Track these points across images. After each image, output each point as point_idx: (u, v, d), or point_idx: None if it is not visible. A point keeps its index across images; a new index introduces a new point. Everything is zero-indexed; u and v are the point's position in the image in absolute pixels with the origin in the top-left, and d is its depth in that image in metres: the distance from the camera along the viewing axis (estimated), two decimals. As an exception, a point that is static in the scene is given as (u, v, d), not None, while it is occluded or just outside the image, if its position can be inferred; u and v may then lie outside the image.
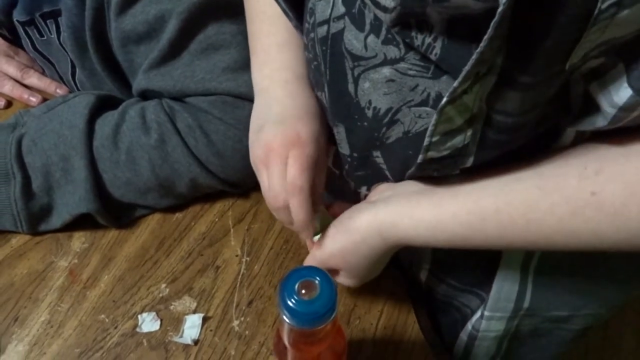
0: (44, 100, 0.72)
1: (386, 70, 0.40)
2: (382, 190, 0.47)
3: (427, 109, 0.39)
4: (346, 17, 0.41)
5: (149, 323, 0.53)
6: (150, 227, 0.61)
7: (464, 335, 0.56)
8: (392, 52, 0.39)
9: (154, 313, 0.54)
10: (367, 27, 0.39)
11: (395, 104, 0.41)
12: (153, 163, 0.57)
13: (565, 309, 0.52)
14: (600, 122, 0.33)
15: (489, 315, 0.52)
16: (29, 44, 0.70)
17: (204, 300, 0.55)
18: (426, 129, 0.40)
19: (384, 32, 0.38)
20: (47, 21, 0.65)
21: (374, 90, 0.41)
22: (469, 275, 0.53)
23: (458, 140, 0.37)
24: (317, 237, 0.48)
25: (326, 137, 0.49)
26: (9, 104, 0.73)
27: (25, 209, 0.57)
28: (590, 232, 0.35)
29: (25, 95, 0.72)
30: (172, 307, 0.55)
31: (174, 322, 0.54)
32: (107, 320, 0.54)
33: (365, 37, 0.40)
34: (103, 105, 0.60)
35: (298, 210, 0.44)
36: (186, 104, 0.59)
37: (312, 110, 0.48)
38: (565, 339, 0.55)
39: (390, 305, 0.56)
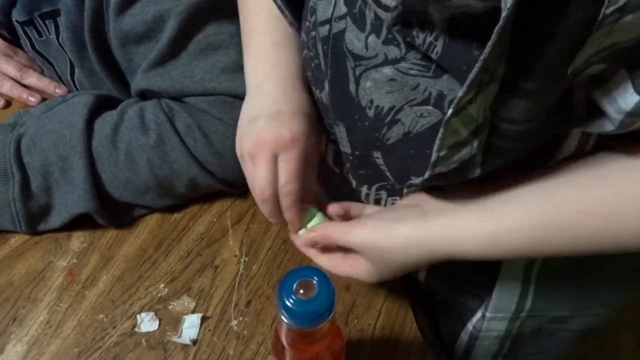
0: (43, 100, 0.72)
1: (387, 70, 0.40)
2: (424, 199, 0.45)
3: (429, 107, 0.39)
4: (348, 17, 0.41)
5: (147, 323, 0.54)
6: (149, 227, 0.61)
7: (464, 335, 0.56)
8: (393, 52, 0.39)
9: (152, 313, 0.54)
10: (368, 27, 0.40)
11: (397, 102, 0.41)
12: (152, 163, 0.57)
13: (567, 309, 0.52)
14: (608, 126, 0.33)
15: (491, 316, 0.52)
16: (28, 43, 0.70)
17: (202, 300, 0.56)
18: (427, 129, 0.41)
19: (384, 32, 0.38)
20: (46, 21, 0.65)
21: (376, 90, 0.41)
22: (468, 276, 0.53)
23: (465, 153, 0.36)
24: (302, 231, 0.48)
25: (318, 136, 0.49)
26: (8, 103, 0.73)
27: (24, 208, 0.57)
28: None
29: (24, 95, 0.72)
30: (170, 307, 0.55)
31: (172, 322, 0.54)
32: (105, 320, 0.54)
33: (366, 37, 0.40)
34: (102, 105, 0.60)
35: (288, 210, 0.46)
36: (185, 104, 0.59)
37: (305, 109, 0.48)
38: (567, 339, 0.55)
39: (388, 305, 0.56)
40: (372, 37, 0.39)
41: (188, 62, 0.58)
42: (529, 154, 0.38)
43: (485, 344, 0.55)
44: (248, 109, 0.48)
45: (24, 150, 0.57)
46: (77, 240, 0.60)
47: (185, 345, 0.52)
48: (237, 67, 0.58)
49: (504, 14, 0.28)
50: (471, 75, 0.31)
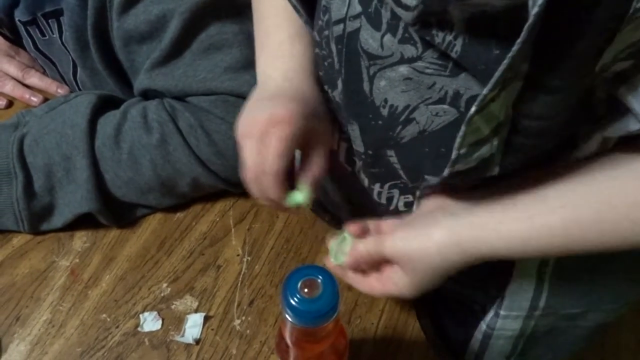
0: (45, 100, 0.72)
1: (403, 69, 0.40)
2: (447, 201, 0.44)
3: (445, 106, 0.39)
4: (362, 17, 0.41)
5: (150, 322, 0.54)
6: (151, 227, 0.61)
7: (478, 334, 0.56)
8: (410, 51, 0.39)
9: (155, 312, 0.54)
10: (384, 26, 0.39)
11: (413, 101, 0.41)
12: (155, 163, 0.57)
13: (581, 306, 0.52)
14: (633, 125, 0.33)
15: (505, 314, 0.52)
16: (31, 43, 0.70)
17: (205, 300, 0.56)
18: (442, 128, 0.40)
19: (401, 31, 0.38)
20: (49, 21, 0.65)
21: (391, 89, 0.41)
22: (480, 273, 0.53)
23: (485, 151, 0.36)
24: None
25: (327, 126, 0.48)
26: (10, 103, 0.73)
27: (27, 208, 0.57)
28: None
29: (26, 95, 0.72)
30: (173, 307, 0.55)
31: (175, 322, 0.54)
32: (108, 319, 0.54)
33: (382, 36, 0.40)
34: (105, 104, 0.60)
35: (269, 190, 0.43)
36: (188, 104, 0.59)
37: (309, 98, 0.46)
38: (581, 337, 0.55)
39: (391, 304, 0.56)
40: (388, 37, 0.39)
41: (191, 62, 0.58)
42: (546, 152, 0.38)
43: (499, 343, 0.55)
44: (250, 98, 0.47)
45: (27, 150, 0.57)
46: (80, 240, 0.60)
47: (188, 345, 0.52)
48: (240, 67, 0.58)
49: (534, 11, 0.28)
50: (497, 73, 0.31)
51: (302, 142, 0.44)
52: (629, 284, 0.51)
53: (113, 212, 0.59)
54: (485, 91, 0.32)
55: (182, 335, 0.53)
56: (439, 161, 0.42)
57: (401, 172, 0.47)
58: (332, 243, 0.46)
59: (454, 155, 0.36)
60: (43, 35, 0.68)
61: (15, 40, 0.73)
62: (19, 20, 0.67)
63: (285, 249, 0.60)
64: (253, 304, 0.55)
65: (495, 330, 0.53)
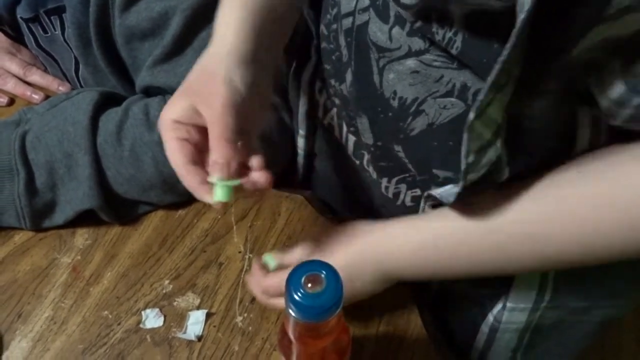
0: (47, 97, 0.72)
1: (411, 62, 0.40)
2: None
3: (452, 99, 0.39)
4: (371, 9, 0.41)
5: (152, 319, 0.54)
6: (153, 224, 0.61)
7: (485, 328, 0.56)
8: (417, 43, 0.39)
9: (157, 309, 0.54)
10: (392, 19, 0.40)
11: (421, 94, 0.41)
12: (157, 159, 0.57)
13: (587, 300, 0.52)
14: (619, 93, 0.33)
15: (512, 307, 0.52)
16: (32, 40, 0.70)
17: (207, 297, 0.56)
18: (450, 121, 0.40)
19: (408, 24, 0.38)
20: (52, 17, 0.65)
21: (399, 82, 0.41)
22: None
23: (491, 154, 0.36)
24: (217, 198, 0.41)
25: (261, 87, 0.44)
26: (12, 101, 0.73)
27: (28, 205, 0.57)
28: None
29: (27, 92, 0.72)
30: (175, 304, 0.55)
31: (177, 318, 0.54)
32: (110, 316, 0.54)
33: (390, 29, 0.40)
34: (106, 102, 0.60)
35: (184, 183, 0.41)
36: (190, 101, 0.59)
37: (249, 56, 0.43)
38: (588, 332, 0.55)
39: (393, 301, 0.56)
40: (396, 29, 0.39)
41: (193, 59, 0.57)
42: (550, 150, 0.38)
43: (506, 337, 0.54)
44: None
45: (29, 147, 0.57)
46: (82, 237, 0.60)
47: (190, 342, 0.52)
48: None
49: (521, 17, 0.28)
50: (490, 78, 0.31)
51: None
52: (634, 280, 0.51)
53: (115, 209, 0.59)
54: (481, 96, 0.32)
55: (184, 332, 0.53)
56: (447, 155, 0.42)
57: (410, 166, 0.47)
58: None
59: (463, 166, 0.36)
60: (45, 32, 0.68)
61: (17, 38, 0.73)
62: (21, 18, 0.67)
63: (287, 246, 0.60)
64: (255, 301, 0.55)
65: (502, 324, 0.53)
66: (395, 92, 0.42)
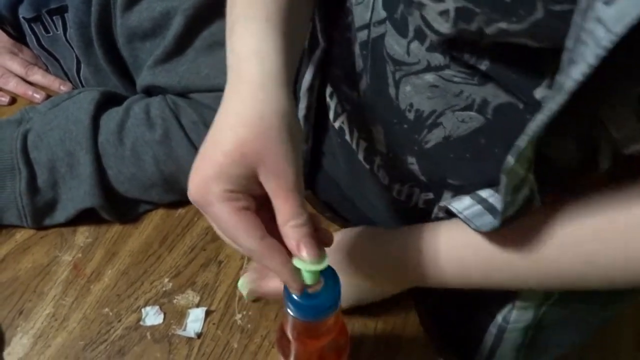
0: (48, 97, 0.73)
1: (429, 77, 0.39)
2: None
3: (471, 113, 0.39)
4: (387, 22, 0.40)
5: (152, 316, 0.54)
6: (153, 223, 0.62)
7: (493, 329, 0.55)
8: (437, 59, 0.38)
9: (157, 307, 0.55)
10: (411, 33, 0.39)
11: (439, 107, 0.40)
12: (157, 159, 0.58)
13: (590, 297, 0.51)
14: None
15: (521, 305, 0.51)
16: (34, 40, 0.70)
17: (206, 295, 0.56)
18: (468, 134, 0.40)
19: (429, 40, 0.37)
20: (53, 17, 0.65)
21: (416, 94, 0.41)
22: None
23: (526, 190, 0.36)
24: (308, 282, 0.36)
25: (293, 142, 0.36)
26: (14, 100, 0.73)
27: (30, 203, 0.57)
28: None
29: (29, 92, 0.73)
30: (175, 301, 0.55)
31: (177, 316, 0.54)
32: (111, 313, 0.55)
33: (409, 43, 0.39)
34: (108, 101, 0.61)
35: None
36: (190, 100, 0.60)
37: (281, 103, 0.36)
38: (588, 328, 0.55)
39: (392, 300, 0.57)
40: (415, 44, 0.38)
41: (194, 59, 0.59)
42: (574, 174, 0.38)
43: (513, 336, 0.54)
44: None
45: (31, 146, 0.57)
46: (82, 235, 0.60)
47: (189, 339, 0.53)
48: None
49: (567, 85, 0.27)
50: (531, 130, 0.31)
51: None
52: None
53: (116, 207, 0.60)
54: (521, 144, 0.31)
55: (184, 329, 0.53)
56: (462, 167, 0.42)
57: (422, 178, 0.46)
58: (244, 281, 0.51)
59: (502, 206, 0.35)
60: (47, 32, 0.69)
61: (19, 38, 0.73)
62: (23, 17, 0.67)
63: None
64: (254, 299, 0.56)
65: (510, 324, 0.53)
66: (411, 105, 0.41)
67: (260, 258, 0.33)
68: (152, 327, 0.53)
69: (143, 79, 0.61)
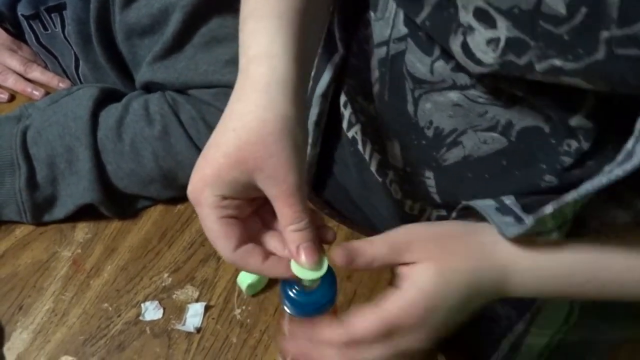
0: (47, 94, 0.73)
1: (453, 95, 0.38)
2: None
3: (494, 134, 0.38)
4: (409, 39, 0.39)
5: (152, 311, 0.54)
6: (152, 219, 0.62)
7: (505, 345, 0.53)
8: (463, 79, 0.37)
9: (156, 302, 0.55)
10: (437, 52, 0.37)
11: (461, 126, 0.39)
12: (156, 154, 0.58)
13: (608, 322, 0.50)
14: None
15: (537, 332, 0.50)
16: (33, 37, 0.71)
17: (206, 290, 0.56)
18: (489, 155, 0.39)
19: (455, 60, 0.36)
20: (52, 15, 0.66)
21: (436, 112, 0.40)
22: None
23: (543, 238, 0.35)
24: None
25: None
26: (12, 97, 0.73)
27: (29, 199, 0.57)
28: None
29: (28, 88, 0.73)
30: (174, 296, 0.56)
31: (176, 311, 0.55)
32: (110, 308, 0.55)
33: (433, 62, 0.38)
34: (107, 97, 0.61)
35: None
36: (189, 96, 0.60)
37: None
38: (603, 348, 0.54)
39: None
40: (439, 63, 0.37)
41: (192, 55, 0.59)
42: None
43: (525, 357, 0.53)
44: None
45: (30, 142, 0.58)
46: (82, 231, 0.61)
47: (189, 333, 0.53)
48: (241, 60, 0.59)
49: (581, 192, 0.27)
50: (571, 198, 0.30)
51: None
52: None
53: (115, 203, 0.60)
54: (569, 197, 0.31)
55: (183, 324, 0.53)
56: (480, 188, 0.41)
57: (435, 197, 0.45)
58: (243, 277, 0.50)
59: (512, 234, 0.34)
60: (45, 29, 0.69)
61: (18, 35, 0.73)
62: (22, 15, 0.68)
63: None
64: (253, 294, 0.56)
65: (524, 345, 0.52)
66: (431, 122, 0.40)
67: (234, 263, 0.34)
68: (152, 322, 0.54)
69: (142, 75, 0.61)
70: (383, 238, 0.35)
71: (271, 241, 0.36)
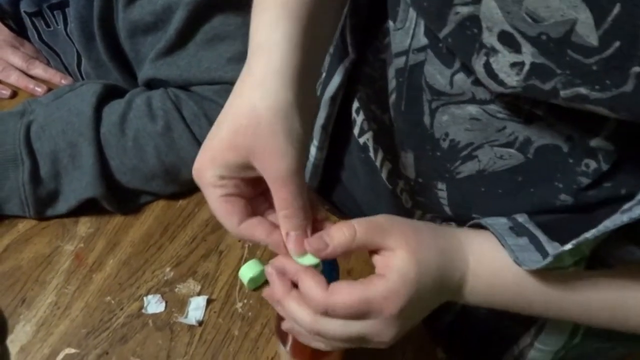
0: (49, 90, 0.73)
1: (472, 109, 0.38)
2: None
3: (511, 150, 0.38)
4: (429, 50, 0.38)
5: (154, 305, 0.55)
6: (154, 214, 0.63)
7: (509, 358, 0.54)
8: (483, 93, 0.37)
9: (159, 295, 0.55)
10: (457, 65, 0.37)
11: (477, 140, 0.39)
12: (159, 150, 0.58)
13: (611, 340, 0.51)
14: None
15: (540, 348, 0.50)
16: (35, 35, 0.71)
17: (207, 284, 0.57)
18: (504, 171, 0.39)
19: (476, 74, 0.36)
20: (55, 12, 0.66)
21: (453, 124, 0.39)
22: None
23: (559, 272, 0.35)
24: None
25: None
26: (15, 94, 0.74)
27: (32, 194, 0.58)
28: None
29: (30, 85, 0.73)
30: (176, 290, 0.56)
31: (178, 304, 0.55)
32: (113, 302, 0.55)
33: (453, 74, 0.37)
34: (109, 94, 0.62)
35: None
36: (192, 93, 0.61)
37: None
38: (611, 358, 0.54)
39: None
40: (459, 75, 0.37)
41: (195, 52, 0.60)
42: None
43: None
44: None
45: (34, 137, 0.58)
46: (84, 225, 0.61)
47: (191, 326, 0.54)
48: (243, 58, 0.58)
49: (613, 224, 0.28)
50: (590, 236, 0.30)
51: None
52: None
53: (117, 198, 0.61)
54: (589, 235, 0.31)
55: (186, 317, 0.54)
56: (492, 202, 0.41)
57: (446, 209, 0.45)
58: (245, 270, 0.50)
59: (529, 267, 0.34)
60: (48, 26, 0.69)
61: (20, 32, 0.74)
62: (25, 12, 0.68)
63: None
64: (255, 287, 0.57)
65: (528, 359, 0.52)
66: (447, 134, 0.40)
67: (242, 238, 0.35)
68: (154, 315, 0.54)
69: (145, 72, 0.62)
70: (363, 219, 0.35)
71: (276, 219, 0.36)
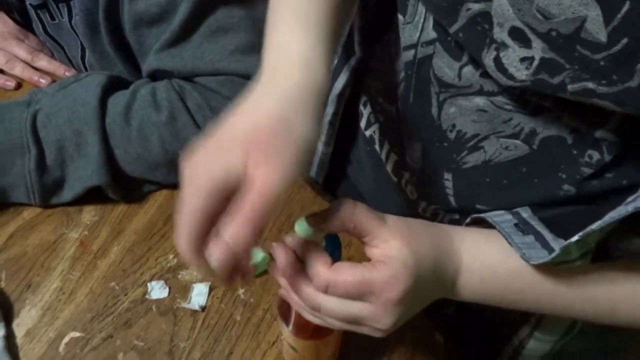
0: (54, 82, 0.74)
1: (479, 100, 0.38)
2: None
3: (517, 141, 0.38)
4: (437, 43, 0.39)
5: (157, 290, 0.56)
6: (158, 203, 0.64)
7: (509, 349, 0.55)
8: (491, 85, 0.37)
9: (162, 281, 0.57)
10: (465, 57, 0.38)
11: (483, 132, 0.40)
12: (163, 139, 0.60)
13: (610, 333, 0.51)
14: None
15: (540, 337, 0.51)
16: (40, 27, 0.72)
17: (210, 271, 0.58)
18: (509, 162, 0.39)
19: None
20: (59, 5, 0.67)
21: (460, 116, 0.40)
22: None
23: (566, 265, 0.36)
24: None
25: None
26: (19, 85, 0.75)
27: (38, 181, 0.59)
28: None
29: (35, 77, 0.74)
30: (180, 276, 0.57)
31: (181, 290, 0.56)
32: (117, 287, 0.56)
33: (461, 67, 0.38)
34: (114, 85, 0.63)
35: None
36: (196, 84, 0.62)
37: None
38: (605, 357, 0.55)
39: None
40: (468, 68, 0.38)
41: (199, 44, 0.61)
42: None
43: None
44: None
45: (40, 126, 0.59)
46: (89, 213, 0.62)
47: (194, 312, 0.55)
48: (246, 50, 0.61)
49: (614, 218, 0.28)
50: (597, 227, 0.31)
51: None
52: None
53: (121, 187, 0.61)
54: (595, 226, 0.32)
55: (189, 302, 0.55)
56: (497, 193, 0.41)
57: (451, 199, 0.45)
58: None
59: (538, 261, 0.35)
60: (53, 19, 0.70)
61: (25, 24, 0.75)
62: (30, 4, 0.69)
63: (287, 226, 0.63)
64: (257, 274, 0.58)
65: (526, 349, 0.53)
66: (454, 125, 0.41)
67: (180, 249, 0.35)
68: (158, 300, 0.55)
69: (149, 63, 0.63)
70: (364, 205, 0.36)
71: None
